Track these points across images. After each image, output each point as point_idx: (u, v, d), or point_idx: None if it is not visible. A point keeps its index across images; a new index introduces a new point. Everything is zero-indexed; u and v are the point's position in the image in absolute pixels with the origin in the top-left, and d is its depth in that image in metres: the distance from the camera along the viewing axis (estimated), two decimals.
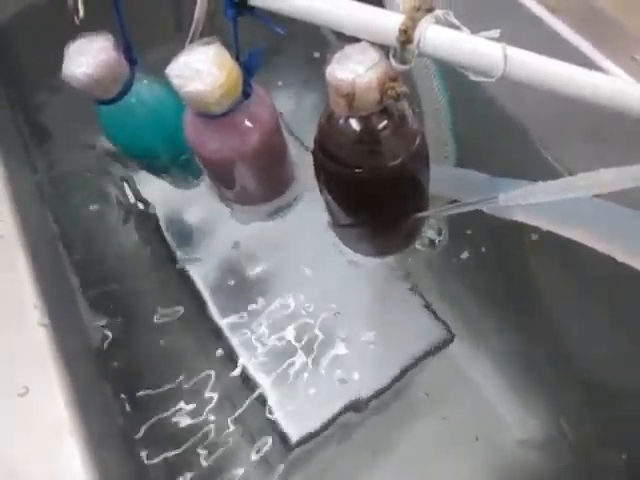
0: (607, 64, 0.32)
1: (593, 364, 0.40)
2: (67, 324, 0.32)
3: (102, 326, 0.40)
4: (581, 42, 0.33)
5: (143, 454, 0.36)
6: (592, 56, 0.32)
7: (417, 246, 0.42)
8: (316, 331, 0.40)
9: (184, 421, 0.38)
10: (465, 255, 0.43)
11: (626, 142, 0.32)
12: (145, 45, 0.36)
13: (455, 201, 0.32)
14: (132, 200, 0.46)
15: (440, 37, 0.23)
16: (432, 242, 0.43)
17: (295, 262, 0.42)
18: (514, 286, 0.43)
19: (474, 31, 0.23)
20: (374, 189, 0.29)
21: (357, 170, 0.28)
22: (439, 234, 0.43)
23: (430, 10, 0.23)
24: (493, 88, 0.41)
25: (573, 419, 0.38)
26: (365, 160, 0.28)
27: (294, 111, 0.51)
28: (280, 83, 0.52)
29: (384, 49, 0.25)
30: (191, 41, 0.38)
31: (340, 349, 0.39)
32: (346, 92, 0.24)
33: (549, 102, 0.23)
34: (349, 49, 0.25)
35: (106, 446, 0.29)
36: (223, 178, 0.37)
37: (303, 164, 0.40)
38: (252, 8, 0.26)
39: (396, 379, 0.38)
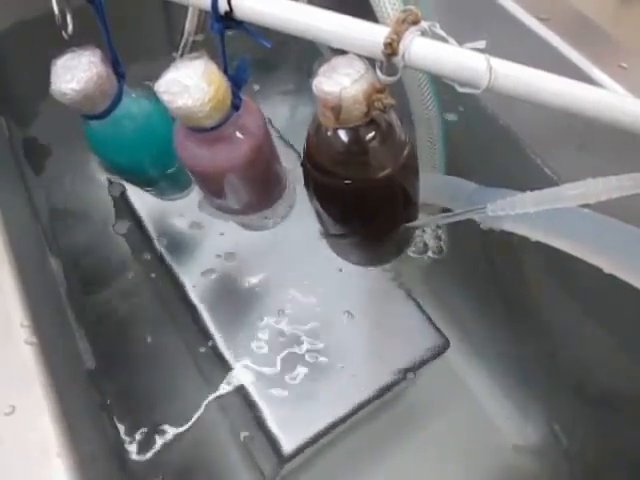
0: (595, 72, 0.32)
1: (588, 371, 0.40)
2: (56, 343, 0.31)
3: (93, 344, 0.40)
4: (569, 50, 0.33)
5: (138, 475, 0.36)
6: (580, 64, 0.32)
7: (412, 254, 0.42)
8: (311, 339, 0.39)
9: (179, 439, 0.38)
10: (461, 263, 0.43)
11: (617, 151, 0.32)
12: (134, 58, 0.36)
13: (445, 210, 0.32)
14: (123, 211, 0.46)
15: (425, 49, 0.23)
16: (427, 248, 0.43)
17: (288, 271, 0.42)
18: (510, 294, 0.43)
19: (463, 41, 0.23)
20: (363, 200, 0.29)
21: (346, 181, 0.28)
22: (436, 242, 0.43)
23: (416, 22, 0.23)
24: (484, 97, 0.41)
25: (568, 425, 0.38)
26: (353, 171, 0.28)
27: (288, 120, 0.51)
28: (275, 92, 0.53)
29: (371, 61, 0.25)
30: (182, 54, 0.38)
31: (336, 357, 0.39)
32: (333, 104, 0.24)
33: (540, 111, 0.23)
34: (335, 61, 0.25)
35: (96, 467, 0.28)
36: (215, 190, 0.37)
37: (296, 173, 0.40)
38: (239, 22, 0.26)
39: (393, 386, 0.38)
